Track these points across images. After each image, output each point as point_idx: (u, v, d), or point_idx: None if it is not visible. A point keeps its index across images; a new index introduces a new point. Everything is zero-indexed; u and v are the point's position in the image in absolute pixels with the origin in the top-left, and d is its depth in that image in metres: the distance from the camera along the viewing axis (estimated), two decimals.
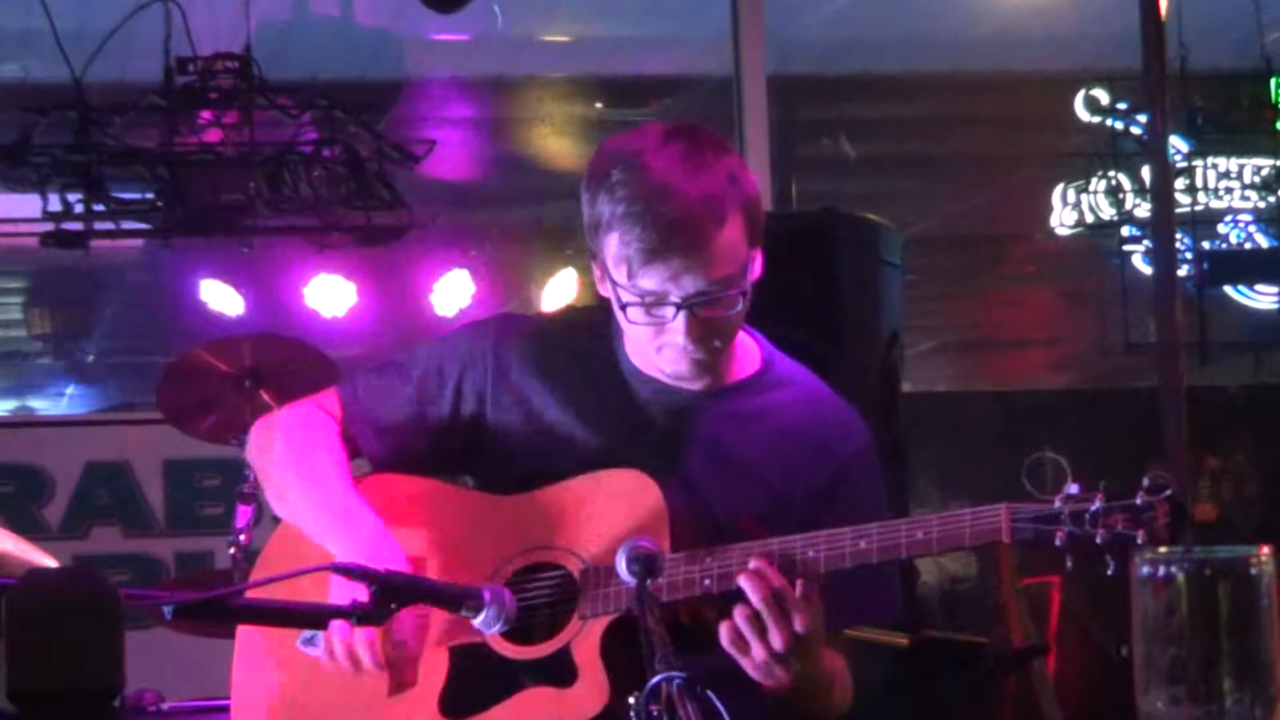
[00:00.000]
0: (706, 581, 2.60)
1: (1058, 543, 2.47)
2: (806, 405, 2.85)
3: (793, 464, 2.78)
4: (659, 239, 2.62)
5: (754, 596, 2.54)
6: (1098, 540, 2.44)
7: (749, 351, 2.87)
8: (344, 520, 2.75)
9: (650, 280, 2.65)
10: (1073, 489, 2.48)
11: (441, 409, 2.85)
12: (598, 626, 2.62)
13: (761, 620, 2.54)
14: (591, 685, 2.59)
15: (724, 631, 2.56)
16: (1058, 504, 2.48)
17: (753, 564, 2.56)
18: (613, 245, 2.67)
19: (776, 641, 2.53)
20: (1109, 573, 2.37)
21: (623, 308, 2.70)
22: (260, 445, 2.94)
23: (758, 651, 2.54)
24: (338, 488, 2.81)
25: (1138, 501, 2.44)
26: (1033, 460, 2.53)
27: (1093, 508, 2.45)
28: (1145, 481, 2.45)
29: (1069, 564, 2.47)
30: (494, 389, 2.84)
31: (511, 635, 2.65)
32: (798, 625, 2.53)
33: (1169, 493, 2.43)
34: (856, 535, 2.58)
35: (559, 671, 2.62)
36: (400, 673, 2.72)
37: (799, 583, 2.55)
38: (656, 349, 2.73)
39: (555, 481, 2.75)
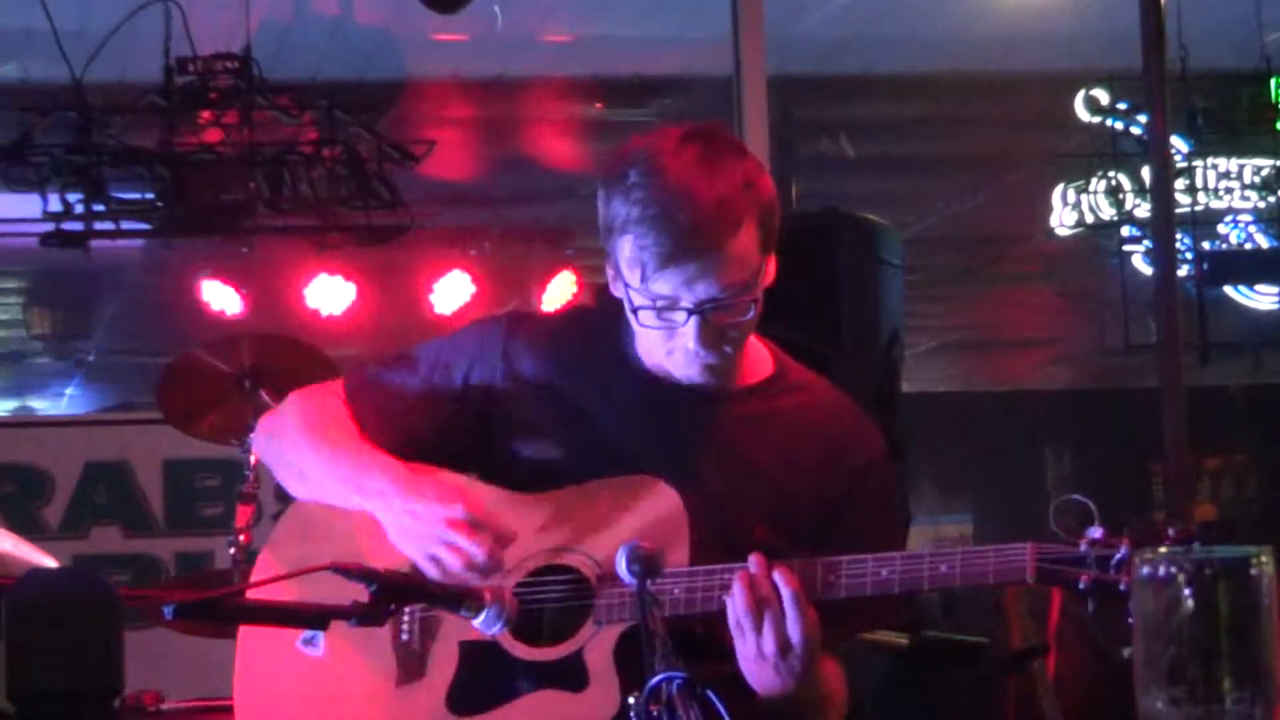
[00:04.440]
0: (725, 597, 2.59)
1: (1081, 586, 2.47)
2: (820, 411, 2.84)
3: (805, 470, 2.78)
4: (673, 244, 2.61)
5: (730, 613, 2.56)
6: (1121, 588, 2.44)
7: (761, 356, 2.86)
8: (377, 472, 2.73)
9: (663, 285, 2.64)
10: (1096, 533, 2.48)
11: (448, 403, 2.84)
12: (612, 633, 2.61)
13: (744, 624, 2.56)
14: (603, 691, 2.59)
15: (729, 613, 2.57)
16: (1083, 548, 2.48)
17: (734, 585, 2.56)
18: (627, 248, 2.66)
19: (768, 645, 2.54)
20: (1129, 621, 2.37)
21: (634, 311, 2.70)
22: (270, 430, 2.93)
23: (751, 643, 2.54)
24: (361, 446, 2.79)
25: (1163, 551, 2.42)
26: (1060, 502, 2.51)
27: (1118, 555, 2.45)
28: (1170, 531, 2.45)
29: (1090, 608, 2.46)
30: (502, 385, 2.83)
31: (523, 636, 2.64)
32: (780, 636, 2.53)
33: (1195, 544, 2.43)
34: (879, 563, 2.58)
35: (571, 675, 2.62)
36: (408, 667, 2.71)
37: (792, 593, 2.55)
38: (667, 352, 2.73)
39: (566, 481, 2.75)
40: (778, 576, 2.55)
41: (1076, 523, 2.51)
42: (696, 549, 2.63)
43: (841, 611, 2.65)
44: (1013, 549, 2.52)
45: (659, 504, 2.66)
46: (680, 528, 2.63)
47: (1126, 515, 2.52)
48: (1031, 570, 2.50)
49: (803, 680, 2.58)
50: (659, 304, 2.67)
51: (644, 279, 2.65)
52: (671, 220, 2.61)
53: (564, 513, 2.73)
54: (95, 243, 7.72)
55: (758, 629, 2.54)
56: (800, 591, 2.55)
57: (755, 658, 2.55)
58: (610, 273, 2.75)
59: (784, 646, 2.54)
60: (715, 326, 2.68)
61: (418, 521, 2.66)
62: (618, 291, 2.74)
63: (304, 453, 2.83)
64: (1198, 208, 9.74)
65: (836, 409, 2.87)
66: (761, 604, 2.54)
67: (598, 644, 2.62)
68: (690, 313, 2.65)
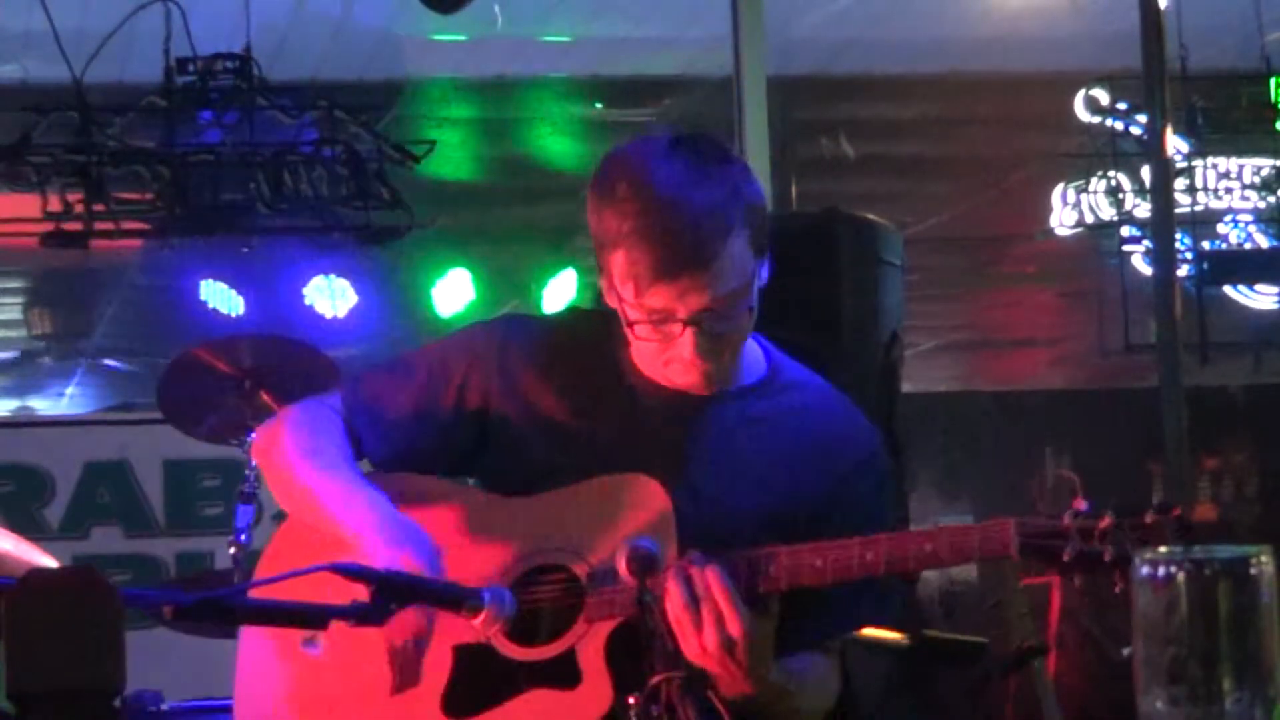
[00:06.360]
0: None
1: (1065, 559, 2.47)
2: (813, 410, 2.84)
3: (798, 469, 2.78)
4: (667, 258, 2.62)
5: (669, 610, 2.54)
6: (1105, 559, 2.44)
7: (754, 356, 2.86)
8: (356, 505, 2.74)
9: (657, 299, 2.65)
10: (1082, 506, 2.48)
11: (445, 408, 2.85)
12: (603, 630, 2.61)
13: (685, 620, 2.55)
14: (595, 688, 2.59)
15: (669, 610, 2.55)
16: (1066, 520, 2.48)
17: (669, 583, 2.54)
18: (620, 262, 2.66)
19: (709, 641, 2.53)
20: (1116, 590, 2.37)
21: (630, 325, 2.70)
22: (266, 442, 2.93)
23: (692, 640, 2.53)
24: (347, 474, 2.80)
25: (1146, 520, 2.44)
26: (1047, 476, 2.53)
27: (1101, 526, 2.45)
28: (1155, 500, 2.45)
29: (1076, 581, 2.47)
30: (499, 389, 2.83)
31: (516, 636, 2.64)
32: (720, 633, 2.52)
33: (1178, 513, 2.44)
34: (864, 547, 2.57)
35: (563, 674, 2.62)
36: (403, 671, 2.72)
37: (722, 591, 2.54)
38: (665, 362, 2.73)
39: (559, 484, 2.75)
40: (713, 571, 2.55)
41: (1063, 499, 2.52)
42: (692, 548, 2.62)
43: (832, 605, 2.65)
44: (995, 525, 2.52)
45: (647, 500, 2.66)
46: (668, 524, 2.63)
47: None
48: (1015, 544, 2.50)
49: (755, 676, 2.57)
50: (654, 318, 2.67)
51: (638, 293, 2.65)
52: (663, 235, 2.62)
53: (554, 513, 2.74)
54: (95, 243, 7.73)
55: (696, 625, 2.54)
56: (747, 585, 2.54)
57: (699, 655, 2.54)
58: (604, 284, 2.75)
59: (726, 643, 2.53)
60: (712, 336, 2.68)
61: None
62: (612, 302, 2.74)
63: (290, 472, 2.84)
64: (1198, 208, 9.75)
65: (831, 407, 2.87)
66: (697, 601, 2.54)
67: (589, 642, 2.62)
68: (686, 324, 2.66)
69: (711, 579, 2.54)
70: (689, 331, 2.66)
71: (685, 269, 2.62)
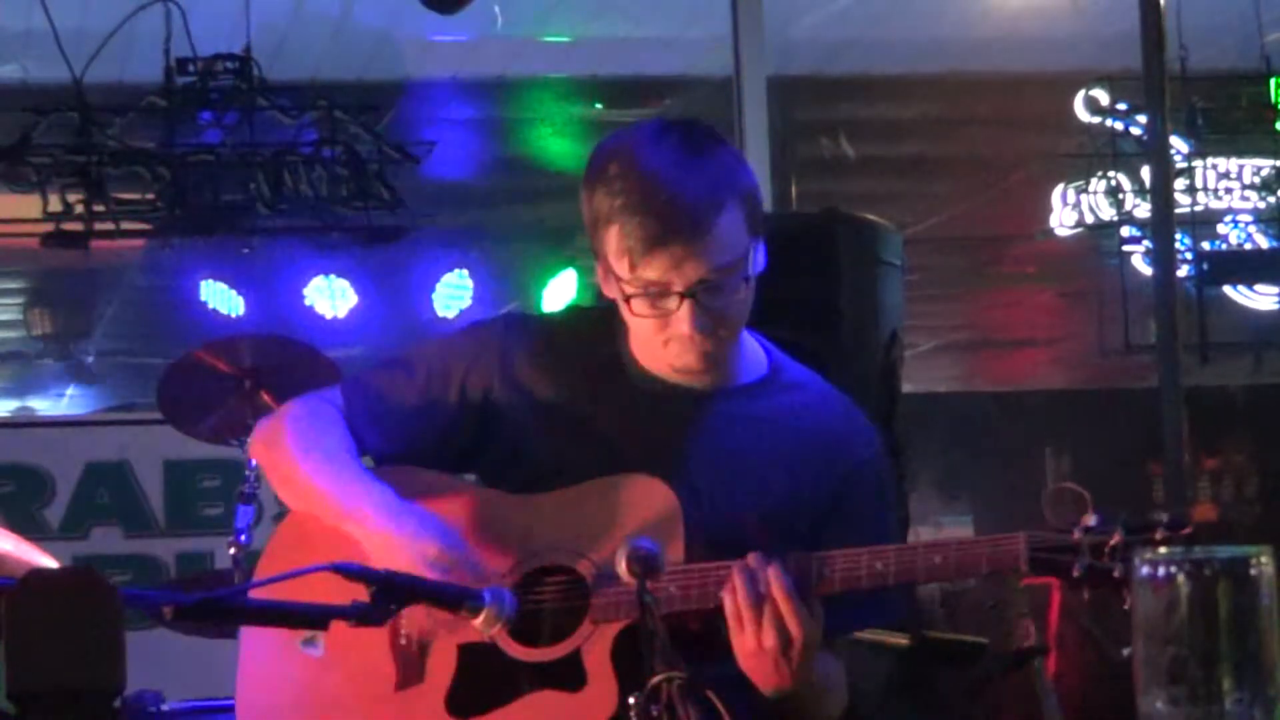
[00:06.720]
0: (722, 592, 2.59)
1: (1075, 574, 2.47)
2: (815, 410, 2.83)
3: (799, 469, 2.77)
4: (659, 227, 2.61)
5: (729, 606, 2.56)
6: (1115, 575, 2.44)
7: (755, 355, 2.86)
8: (362, 495, 2.74)
9: (653, 270, 2.64)
10: (1092, 520, 2.48)
11: (446, 406, 2.84)
12: (609, 631, 2.61)
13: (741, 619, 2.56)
14: (601, 690, 2.59)
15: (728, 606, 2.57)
16: (1077, 535, 2.48)
17: (734, 579, 2.56)
18: (613, 238, 2.66)
19: (767, 639, 2.54)
20: (1124, 606, 2.36)
21: (626, 300, 2.69)
22: (266, 438, 2.93)
23: (750, 637, 2.55)
24: (353, 468, 2.80)
25: (1156, 537, 2.43)
26: (1054, 491, 2.53)
27: (1111, 543, 2.45)
28: (1164, 517, 2.45)
29: (1086, 595, 2.46)
30: (499, 387, 2.83)
31: (521, 637, 2.64)
32: (780, 631, 2.53)
33: (1189, 530, 2.43)
34: (873, 556, 2.58)
35: (569, 675, 2.62)
36: (407, 669, 2.72)
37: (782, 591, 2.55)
38: (663, 342, 2.72)
39: (561, 481, 2.75)
40: (775, 571, 2.55)
41: (1071, 512, 2.51)
42: (691, 546, 2.63)
43: (838, 607, 2.65)
44: (1005, 539, 2.53)
45: (654, 501, 2.66)
46: (675, 524, 2.63)
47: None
48: (1025, 559, 2.50)
49: (802, 675, 2.58)
50: (650, 291, 2.66)
51: (633, 267, 2.64)
52: (655, 204, 2.62)
53: (560, 513, 2.73)
54: (95, 243, 7.73)
55: (757, 623, 2.54)
56: (797, 587, 2.55)
57: (755, 652, 2.55)
58: (600, 271, 2.74)
59: (784, 642, 2.54)
60: (709, 309, 2.67)
61: (393, 554, 2.66)
62: (609, 289, 2.73)
63: (294, 465, 2.83)
64: (1198, 208, 9.74)
65: (832, 407, 2.86)
66: (760, 598, 2.54)
67: (595, 643, 2.62)
68: (682, 296, 2.65)
69: (774, 578, 2.55)
70: (686, 304, 2.65)
71: (679, 237, 2.62)
